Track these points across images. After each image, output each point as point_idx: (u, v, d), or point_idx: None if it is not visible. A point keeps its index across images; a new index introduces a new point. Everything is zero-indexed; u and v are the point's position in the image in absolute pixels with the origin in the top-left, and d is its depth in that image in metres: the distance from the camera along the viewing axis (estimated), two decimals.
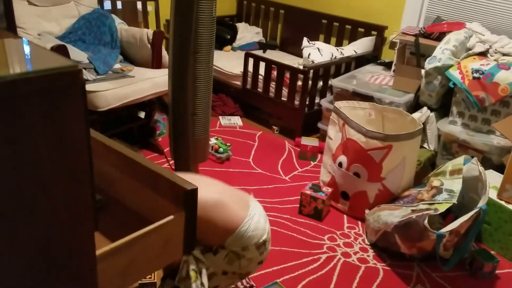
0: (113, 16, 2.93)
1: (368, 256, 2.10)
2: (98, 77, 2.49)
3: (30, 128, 0.60)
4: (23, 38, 0.65)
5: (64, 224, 0.68)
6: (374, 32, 3.42)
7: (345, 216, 2.40)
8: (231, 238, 1.32)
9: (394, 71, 3.00)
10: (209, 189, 1.34)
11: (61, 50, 2.22)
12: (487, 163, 2.47)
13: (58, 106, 0.61)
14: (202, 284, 1.27)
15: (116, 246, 0.75)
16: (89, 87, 2.33)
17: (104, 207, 1.03)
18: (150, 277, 1.74)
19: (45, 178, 0.63)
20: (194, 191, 0.90)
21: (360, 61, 3.34)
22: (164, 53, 2.81)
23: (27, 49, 0.64)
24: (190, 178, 0.96)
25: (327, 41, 3.67)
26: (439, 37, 2.81)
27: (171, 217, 0.87)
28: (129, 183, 1.02)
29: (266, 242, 1.40)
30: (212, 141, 2.89)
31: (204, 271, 1.28)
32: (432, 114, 2.69)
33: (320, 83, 3.18)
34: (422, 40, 2.86)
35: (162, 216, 0.90)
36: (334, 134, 2.49)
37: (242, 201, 1.40)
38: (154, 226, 0.84)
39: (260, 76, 3.29)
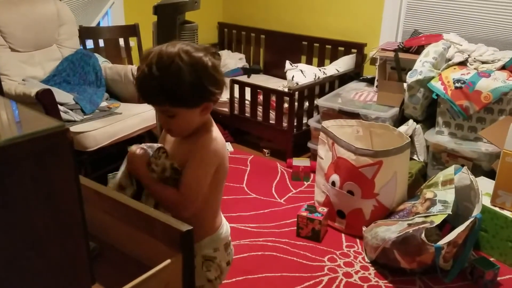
0: (96, 55, 2.96)
1: (370, 274, 2.09)
2: (85, 117, 2.49)
3: (21, 190, 0.60)
4: (11, 101, 0.66)
5: (60, 283, 0.68)
6: (354, 50, 3.48)
7: (343, 235, 2.40)
8: (208, 238, 1.33)
9: (377, 86, 3.04)
10: None
11: (46, 93, 2.22)
12: (477, 170, 2.50)
13: (47, 166, 0.61)
14: None
15: None
16: (76, 128, 2.33)
17: (100, 254, 1.02)
18: None
19: (38, 239, 0.63)
20: (190, 232, 0.90)
21: (343, 79, 3.39)
22: None
23: (15, 112, 0.65)
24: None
25: (309, 61, 3.72)
26: (418, 50, 2.87)
27: (168, 261, 0.86)
28: (123, 228, 1.01)
29: (230, 243, 1.43)
30: None
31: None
32: (419, 126, 2.73)
33: (306, 104, 3.21)
34: (401, 55, 2.92)
35: (159, 258, 0.89)
36: (324, 153, 2.51)
37: None
38: (152, 272, 0.83)
39: (246, 101, 3.32)
